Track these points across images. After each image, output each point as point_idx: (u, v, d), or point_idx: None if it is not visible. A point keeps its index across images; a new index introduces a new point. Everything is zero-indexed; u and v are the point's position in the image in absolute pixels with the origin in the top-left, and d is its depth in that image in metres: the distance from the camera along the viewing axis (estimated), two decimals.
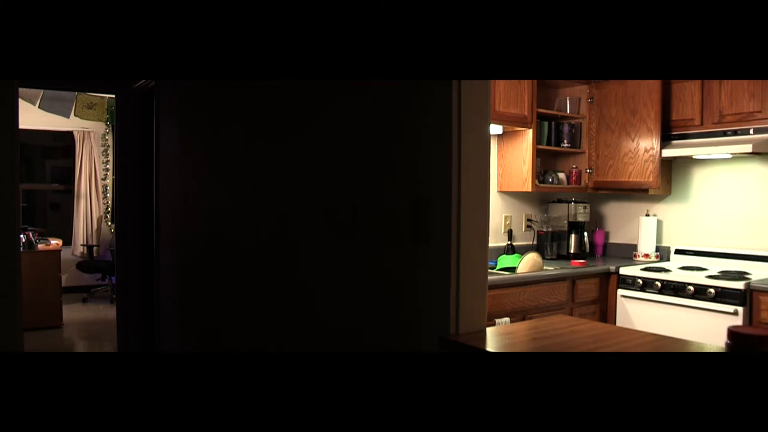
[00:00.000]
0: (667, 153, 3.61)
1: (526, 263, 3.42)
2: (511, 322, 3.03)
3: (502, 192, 3.97)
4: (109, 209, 7.57)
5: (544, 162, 4.08)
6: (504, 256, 3.64)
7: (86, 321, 6.19)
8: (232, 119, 2.70)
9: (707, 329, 3.10)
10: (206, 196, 2.95)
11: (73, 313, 6.38)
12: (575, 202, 4.08)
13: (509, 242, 3.91)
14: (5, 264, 1.76)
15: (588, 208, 4.14)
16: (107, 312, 6.50)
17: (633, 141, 3.77)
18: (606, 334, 1.62)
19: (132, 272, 4.19)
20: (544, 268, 3.50)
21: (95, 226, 7.54)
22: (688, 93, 3.57)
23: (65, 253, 6.75)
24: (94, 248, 7.32)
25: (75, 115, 7.15)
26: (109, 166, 7.56)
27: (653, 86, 3.65)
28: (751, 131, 3.28)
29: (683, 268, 3.61)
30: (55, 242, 6.31)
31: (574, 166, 4.09)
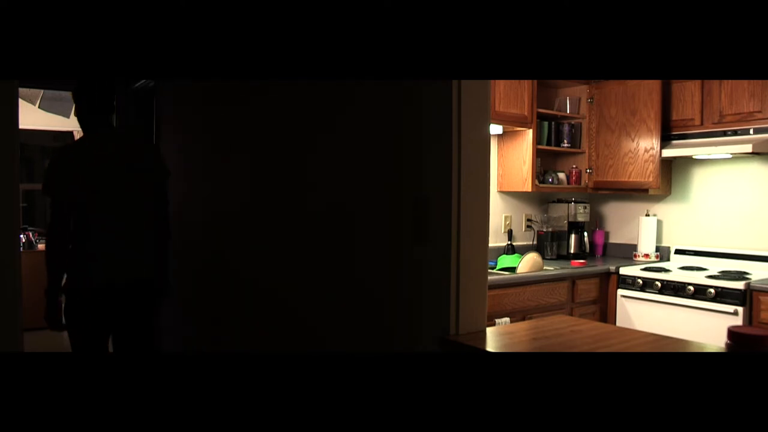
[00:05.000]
0: (667, 153, 3.61)
1: (526, 263, 3.42)
2: (511, 322, 3.03)
3: (502, 192, 3.97)
4: None
5: (544, 162, 4.07)
6: (504, 256, 3.64)
7: None
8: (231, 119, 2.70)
9: (707, 329, 3.10)
10: (205, 196, 2.95)
11: None
12: (575, 202, 4.08)
13: (509, 242, 3.91)
14: (5, 264, 1.76)
15: (588, 208, 4.14)
16: None
17: (633, 141, 3.77)
18: (606, 334, 1.62)
19: None
20: (544, 268, 3.50)
21: None
22: (688, 93, 3.57)
23: None
24: None
25: (75, 115, 7.14)
26: None
27: (653, 86, 3.64)
28: (751, 131, 3.28)
29: (683, 268, 3.61)
30: None
31: (574, 166, 4.08)
